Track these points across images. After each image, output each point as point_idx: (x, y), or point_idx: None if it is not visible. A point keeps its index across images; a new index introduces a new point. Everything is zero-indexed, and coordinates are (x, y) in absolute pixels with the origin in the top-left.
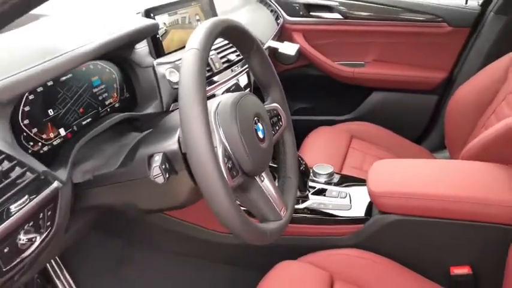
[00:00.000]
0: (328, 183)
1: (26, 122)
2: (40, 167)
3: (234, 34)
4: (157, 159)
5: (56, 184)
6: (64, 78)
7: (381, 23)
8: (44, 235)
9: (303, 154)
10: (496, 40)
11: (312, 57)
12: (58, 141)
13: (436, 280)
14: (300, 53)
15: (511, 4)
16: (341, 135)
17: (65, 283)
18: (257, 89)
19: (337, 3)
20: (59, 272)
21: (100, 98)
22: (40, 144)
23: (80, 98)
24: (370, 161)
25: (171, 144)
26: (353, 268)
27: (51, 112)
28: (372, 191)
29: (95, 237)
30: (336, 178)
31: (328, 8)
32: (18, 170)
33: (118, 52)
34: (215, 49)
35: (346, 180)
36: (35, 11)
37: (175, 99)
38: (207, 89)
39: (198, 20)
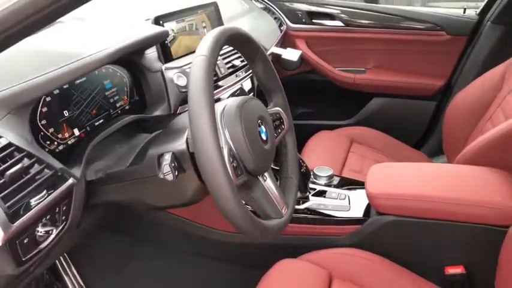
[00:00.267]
0: (328, 185)
1: (44, 122)
2: (57, 164)
3: (240, 41)
4: (167, 158)
5: (71, 181)
6: (79, 81)
7: (381, 30)
8: (60, 228)
9: (304, 157)
10: (492, 49)
11: (314, 63)
12: (73, 140)
13: (431, 279)
14: (303, 59)
15: (507, 14)
16: (341, 140)
17: (73, 279)
18: (260, 93)
19: (338, 11)
20: (67, 268)
21: (111, 100)
22: (56, 143)
23: (93, 100)
24: (369, 165)
25: (180, 144)
26: (351, 267)
27: (66, 113)
28: (369, 192)
29: (102, 235)
30: (336, 180)
31: (330, 16)
32: (37, 167)
33: (129, 57)
34: (221, 55)
35: (346, 183)
36: None
37: (182, 102)
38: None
39: (204, 27)
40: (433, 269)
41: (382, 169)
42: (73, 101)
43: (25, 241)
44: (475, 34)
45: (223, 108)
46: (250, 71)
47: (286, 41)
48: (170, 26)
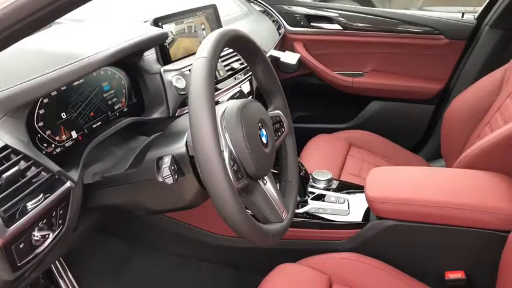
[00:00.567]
0: (327, 189)
1: (41, 124)
2: (54, 167)
3: (240, 44)
4: (167, 161)
5: (68, 184)
6: (76, 83)
7: (379, 34)
8: (56, 232)
9: (303, 160)
10: (490, 53)
11: (312, 66)
12: (70, 143)
13: (431, 284)
14: (301, 62)
15: (505, 18)
16: (340, 143)
17: (68, 283)
18: (259, 96)
19: (337, 15)
20: (62, 272)
21: (109, 102)
22: (53, 145)
23: (91, 103)
24: (368, 169)
25: (179, 147)
26: (350, 271)
27: (64, 115)
28: (369, 196)
29: (99, 239)
30: (335, 184)
31: (328, 19)
32: (34, 170)
33: (128, 59)
34: (219, 58)
35: (345, 187)
36: None
37: (181, 105)
38: None
39: (203, 29)
40: (433, 274)
41: (381, 173)
42: (71, 103)
43: (21, 246)
44: (473, 38)
45: (224, 111)
46: (249, 73)
47: (284, 44)
48: (169, 28)
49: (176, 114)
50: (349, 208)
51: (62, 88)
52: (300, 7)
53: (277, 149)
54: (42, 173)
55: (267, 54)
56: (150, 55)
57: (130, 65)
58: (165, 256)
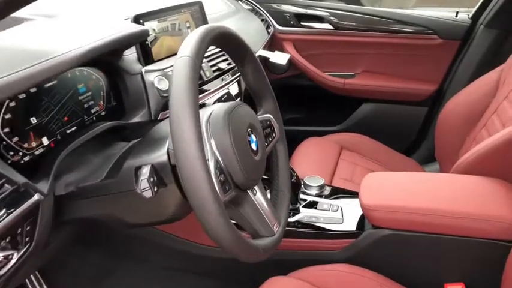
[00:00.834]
0: (319, 195)
1: (6, 130)
2: (20, 179)
3: (228, 42)
4: (145, 171)
5: (37, 197)
6: (48, 84)
7: (371, 34)
8: (22, 252)
9: (293, 165)
10: (486, 53)
11: (302, 67)
12: (40, 150)
13: None
14: (291, 62)
15: (501, 17)
16: (331, 146)
17: None
18: (248, 98)
19: (327, 14)
20: (38, 286)
21: (85, 105)
22: (21, 154)
23: (65, 106)
24: (361, 173)
25: (160, 155)
26: (344, 284)
27: (33, 120)
28: (364, 204)
29: (78, 249)
30: (327, 190)
31: (319, 19)
32: None
33: (106, 58)
34: (206, 57)
35: (337, 193)
36: (19, 14)
37: (163, 108)
38: None
39: (188, 27)
40: (431, 286)
41: (376, 179)
42: (42, 106)
43: None
44: (468, 38)
45: (209, 115)
46: (237, 74)
47: (273, 44)
48: (151, 26)
49: (159, 118)
50: (342, 216)
51: (32, 90)
52: (290, 6)
53: (268, 155)
54: (6, 185)
55: (256, 54)
56: (131, 54)
57: (109, 65)
58: (148, 268)
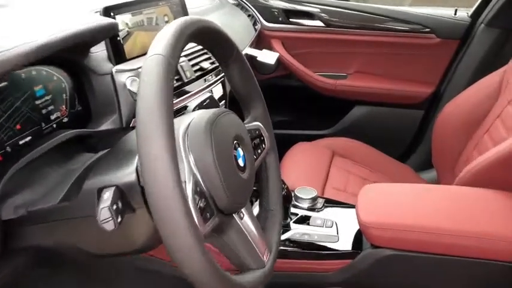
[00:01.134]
0: (311, 209)
1: None
2: None
3: (211, 38)
4: (107, 197)
5: None
6: None
7: (365, 32)
8: None
9: (282, 173)
10: (486, 54)
11: (291, 66)
12: None
13: None
14: (279, 62)
15: (503, 16)
16: (322, 152)
17: None
18: (233, 101)
19: (319, 10)
20: None
21: (44, 111)
22: None
23: (17, 112)
24: (354, 181)
25: (128, 174)
26: None
27: None
28: (362, 221)
29: (43, 274)
30: (320, 203)
31: (309, 15)
32: None
33: (69, 56)
34: (186, 55)
35: (331, 205)
36: None
37: None
38: (175, 101)
39: (166, 22)
40: None
41: (374, 192)
42: None
43: None
44: (467, 37)
45: (188, 126)
46: (222, 74)
47: (260, 41)
48: (124, 19)
49: (131, 125)
50: (338, 233)
51: None
52: (278, 1)
53: (257, 169)
54: None
55: (243, 53)
56: (99, 52)
57: (74, 64)
58: None
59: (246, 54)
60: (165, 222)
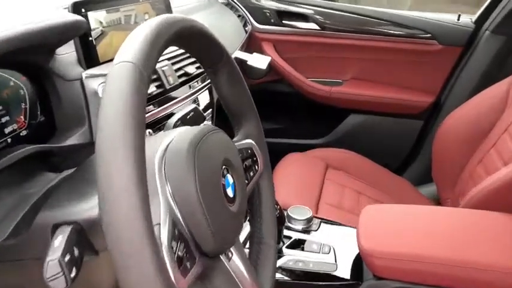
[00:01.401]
0: (306, 230)
1: None
2: None
3: (195, 40)
4: (59, 242)
5: None
6: None
7: (362, 36)
8: None
9: None
10: (491, 62)
11: (283, 71)
12: None
13: None
14: (271, 66)
15: (509, 22)
16: (315, 164)
17: None
18: (221, 110)
19: (313, 12)
20: None
21: None
22: None
23: None
24: (349, 196)
25: (91, 208)
26: None
27: None
28: (364, 249)
29: None
30: (316, 224)
31: (304, 17)
32: None
33: (30, 58)
34: (168, 58)
35: (327, 227)
36: None
37: None
38: (155, 111)
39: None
40: None
41: (377, 215)
42: None
43: None
44: (471, 45)
45: (166, 149)
46: (209, 80)
47: (251, 44)
48: (97, 17)
49: None
50: (336, 260)
51: None
52: (270, 1)
53: (249, 195)
54: None
55: (232, 57)
56: (68, 54)
57: (35, 68)
58: None
59: (236, 58)
60: (129, 277)
